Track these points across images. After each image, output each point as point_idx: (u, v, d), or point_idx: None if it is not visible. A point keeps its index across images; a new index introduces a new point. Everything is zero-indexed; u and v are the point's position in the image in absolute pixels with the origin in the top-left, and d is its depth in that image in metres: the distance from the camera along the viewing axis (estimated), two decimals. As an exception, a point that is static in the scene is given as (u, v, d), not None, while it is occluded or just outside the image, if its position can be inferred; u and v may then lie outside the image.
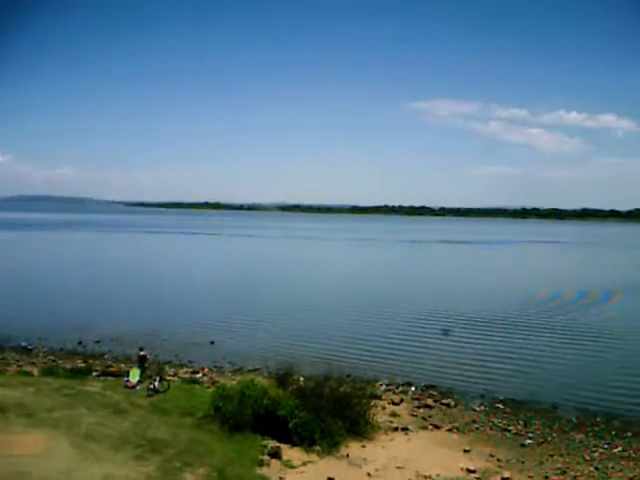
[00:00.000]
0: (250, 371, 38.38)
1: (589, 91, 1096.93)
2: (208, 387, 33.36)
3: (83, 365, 38.09)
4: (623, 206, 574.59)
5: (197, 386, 33.92)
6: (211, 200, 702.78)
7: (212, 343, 46.41)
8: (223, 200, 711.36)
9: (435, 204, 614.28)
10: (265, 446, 24.53)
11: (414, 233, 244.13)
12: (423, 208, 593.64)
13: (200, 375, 37.60)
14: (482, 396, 35.58)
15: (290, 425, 25.80)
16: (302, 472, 22.95)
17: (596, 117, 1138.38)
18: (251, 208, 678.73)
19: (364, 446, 26.38)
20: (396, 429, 29.06)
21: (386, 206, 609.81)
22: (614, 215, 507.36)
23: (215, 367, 40.20)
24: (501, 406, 33.89)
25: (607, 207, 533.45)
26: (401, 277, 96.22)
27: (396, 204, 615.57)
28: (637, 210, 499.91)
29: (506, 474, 24.01)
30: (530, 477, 24.22)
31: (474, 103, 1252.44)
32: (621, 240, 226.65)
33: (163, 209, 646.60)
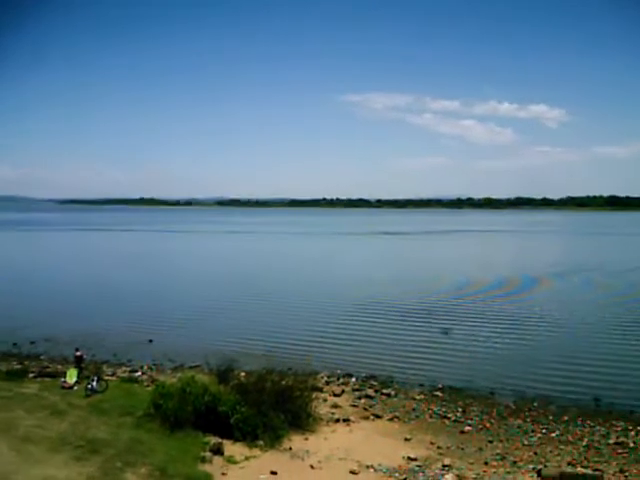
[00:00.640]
0: (190, 368, 38.03)
1: (520, 82, 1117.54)
2: (148, 386, 32.99)
3: (19, 367, 37.32)
4: (555, 194, 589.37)
5: (136, 385, 33.44)
6: (146, 196, 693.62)
7: (150, 341, 45.87)
8: (159, 196, 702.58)
9: (372, 196, 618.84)
10: (207, 443, 24.38)
11: (353, 225, 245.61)
12: (361, 200, 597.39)
13: (139, 374, 37.15)
14: (421, 385, 36.03)
15: (232, 421, 25.70)
16: (245, 467, 22.91)
17: (527, 107, 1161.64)
18: (188, 203, 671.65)
19: (307, 439, 26.47)
20: (338, 420, 29.23)
21: (324, 199, 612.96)
22: (546, 203, 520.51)
23: (154, 365, 39.78)
24: (440, 394, 34.37)
25: (540, 195, 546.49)
26: (340, 269, 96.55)
27: (334, 197, 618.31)
28: (568, 198, 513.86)
29: (447, 461, 24.37)
30: (470, 463, 24.61)
31: (408, 96, 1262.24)
32: (554, 228, 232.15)
33: (97, 206, 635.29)
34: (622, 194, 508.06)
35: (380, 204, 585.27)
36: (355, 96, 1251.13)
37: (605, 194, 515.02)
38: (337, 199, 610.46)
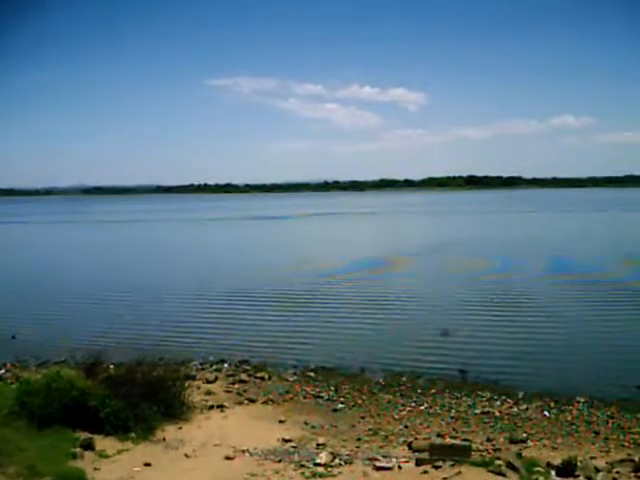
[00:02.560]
0: (56, 363, 36.65)
1: (379, 66, 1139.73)
2: (12, 383, 31.65)
3: None
4: (416, 175, 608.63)
5: (0, 383, 32.15)
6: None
7: (13, 337, 44.08)
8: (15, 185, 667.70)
9: (241, 181, 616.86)
10: (77, 439, 23.61)
11: (224, 210, 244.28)
12: (229, 185, 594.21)
13: (2, 372, 35.63)
14: (294, 366, 36.39)
15: (102, 415, 25.03)
16: (117, 461, 22.38)
17: (388, 91, 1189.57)
18: (49, 192, 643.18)
19: (180, 428, 26.14)
20: (212, 407, 29.06)
21: (192, 185, 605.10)
22: (408, 184, 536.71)
23: (18, 362, 38.17)
24: (312, 374, 34.88)
25: (402, 177, 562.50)
26: (209, 256, 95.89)
27: (202, 182, 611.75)
28: (429, 179, 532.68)
29: (321, 440, 24.73)
30: (344, 440, 25.08)
31: (273, 80, 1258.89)
32: (417, 208, 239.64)
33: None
34: (480, 174, 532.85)
35: (249, 189, 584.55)
36: (222, 80, 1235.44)
37: (464, 174, 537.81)
38: (205, 184, 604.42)
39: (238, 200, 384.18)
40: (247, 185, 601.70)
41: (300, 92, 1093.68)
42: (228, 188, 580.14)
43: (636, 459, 21.19)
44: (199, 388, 31.86)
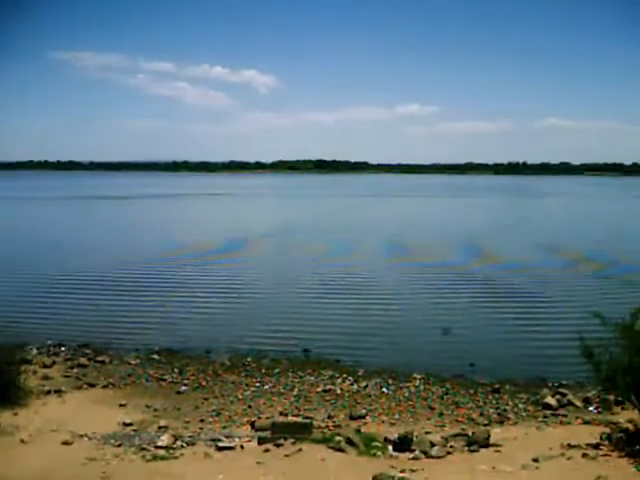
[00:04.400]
0: None
1: (230, 47, 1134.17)
2: None
3: None
4: (267, 158, 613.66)
5: None
6: None
7: None
8: None
9: (84, 159, 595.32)
10: None
11: (65, 190, 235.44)
12: (71, 163, 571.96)
13: None
14: (137, 349, 35.76)
15: None
16: (-54, 449, 21.28)
17: (239, 72, 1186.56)
18: None
19: (16, 414, 25.10)
20: (49, 392, 28.09)
21: (31, 162, 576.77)
22: (260, 167, 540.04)
23: None
24: (156, 357, 34.40)
25: (253, 159, 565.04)
26: (40, 235, 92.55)
27: (42, 159, 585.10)
28: (280, 162, 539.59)
29: (163, 422, 24.49)
30: (186, 422, 24.97)
31: (120, 55, 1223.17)
32: (267, 190, 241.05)
33: None
34: (329, 158, 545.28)
35: (93, 166, 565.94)
36: (65, 53, 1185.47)
37: (314, 158, 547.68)
38: (46, 161, 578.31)
39: (81, 178, 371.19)
40: (92, 163, 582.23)
41: (148, 69, 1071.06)
42: (70, 165, 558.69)
43: (469, 433, 22.42)
44: (35, 373, 30.71)
